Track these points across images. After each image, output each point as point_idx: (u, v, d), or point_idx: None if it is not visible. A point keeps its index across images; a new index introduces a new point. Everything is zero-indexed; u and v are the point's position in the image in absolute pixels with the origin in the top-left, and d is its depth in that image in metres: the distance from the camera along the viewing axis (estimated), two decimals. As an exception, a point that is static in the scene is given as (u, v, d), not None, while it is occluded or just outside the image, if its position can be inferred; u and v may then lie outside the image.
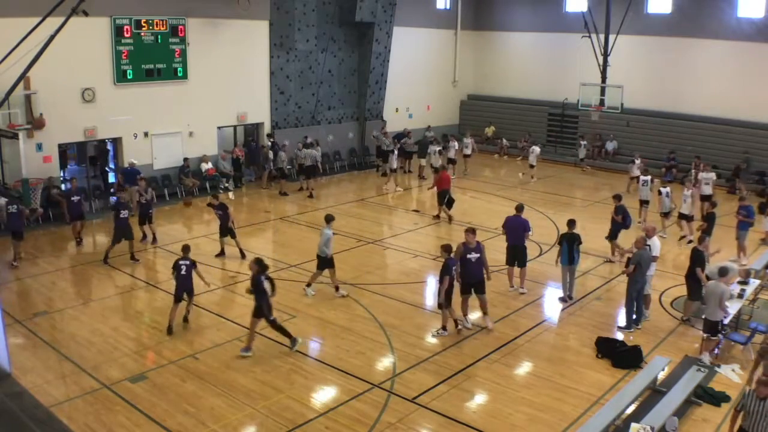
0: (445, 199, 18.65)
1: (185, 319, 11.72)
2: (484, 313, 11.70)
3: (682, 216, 17.02)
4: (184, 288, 11.56)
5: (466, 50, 31.16)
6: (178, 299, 11.50)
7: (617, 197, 15.27)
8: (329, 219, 13.06)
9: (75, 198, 16.11)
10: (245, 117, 22.85)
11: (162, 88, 20.06)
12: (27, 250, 15.43)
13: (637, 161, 21.99)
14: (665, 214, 17.30)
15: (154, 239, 16.35)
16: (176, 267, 11.59)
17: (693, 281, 11.77)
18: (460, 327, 11.52)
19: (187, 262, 11.64)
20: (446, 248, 11.32)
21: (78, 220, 16.17)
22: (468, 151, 24.61)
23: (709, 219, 15.29)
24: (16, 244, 14.59)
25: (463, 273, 11.41)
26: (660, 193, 17.40)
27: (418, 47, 28.53)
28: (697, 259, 11.74)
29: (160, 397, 9.26)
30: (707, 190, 18.75)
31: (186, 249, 11.93)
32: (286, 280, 13.97)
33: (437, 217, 18.92)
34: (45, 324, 11.59)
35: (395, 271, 14.92)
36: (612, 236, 15.17)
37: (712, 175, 19.11)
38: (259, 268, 10.49)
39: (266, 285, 10.50)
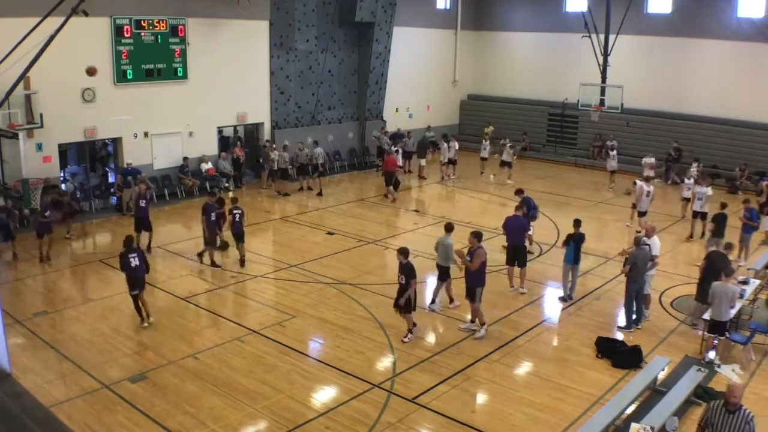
0: (392, 181, 21.05)
1: (242, 263, 14.48)
2: (471, 320, 11.54)
3: (640, 213, 17.37)
4: (237, 232, 14.40)
5: (466, 50, 31.14)
6: (237, 240, 14.50)
7: (519, 191, 15.87)
8: (449, 228, 12.40)
9: (47, 213, 14.86)
10: (245, 117, 22.85)
11: (162, 88, 20.06)
12: (27, 250, 15.42)
13: (693, 176, 19.65)
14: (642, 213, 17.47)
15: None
16: (231, 213, 14.39)
17: (708, 285, 11.20)
18: (409, 338, 11.08)
19: (240, 211, 14.49)
20: (403, 251, 11.01)
21: (45, 236, 14.73)
22: (452, 155, 23.88)
23: (718, 220, 14.77)
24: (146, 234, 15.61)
25: None
26: (635, 184, 17.82)
27: (418, 47, 28.50)
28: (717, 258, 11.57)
29: (160, 397, 9.26)
30: (698, 205, 16.82)
31: (235, 200, 15.00)
32: (286, 280, 13.98)
33: (386, 196, 21.04)
34: (45, 324, 11.59)
35: (395, 271, 14.78)
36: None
37: (707, 191, 16.83)
38: (125, 246, 11.56)
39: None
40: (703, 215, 16.85)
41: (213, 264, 14.57)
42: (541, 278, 14.19)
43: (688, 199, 18.31)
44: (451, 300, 12.57)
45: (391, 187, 21.03)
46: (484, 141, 25.13)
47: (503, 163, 23.59)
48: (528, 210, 15.12)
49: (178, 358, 10.36)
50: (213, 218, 14.40)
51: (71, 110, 18.05)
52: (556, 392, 9.58)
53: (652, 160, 21.40)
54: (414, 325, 11.19)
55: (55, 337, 11.08)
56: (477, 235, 11.35)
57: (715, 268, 11.24)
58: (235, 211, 14.43)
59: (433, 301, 12.51)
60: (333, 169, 25.20)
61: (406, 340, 11.08)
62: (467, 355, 10.66)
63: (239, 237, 14.51)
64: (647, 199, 17.29)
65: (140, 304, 11.54)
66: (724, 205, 15.14)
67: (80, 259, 15.22)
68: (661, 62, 25.33)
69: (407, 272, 10.87)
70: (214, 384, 9.63)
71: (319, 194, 21.44)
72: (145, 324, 11.50)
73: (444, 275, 12.30)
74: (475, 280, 11.21)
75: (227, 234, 14.93)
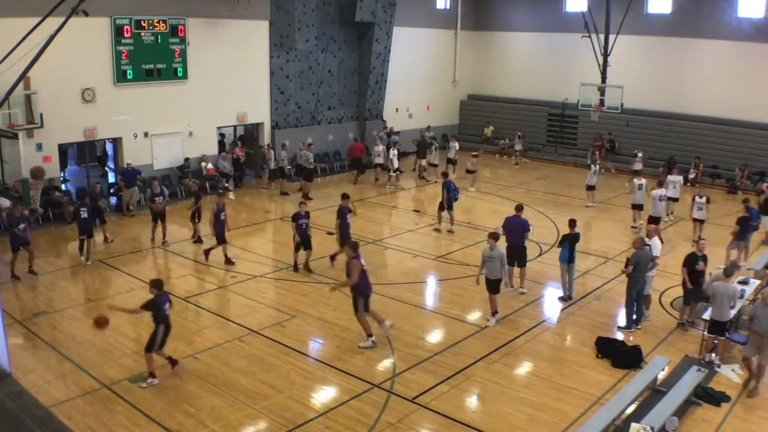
0: (358, 166, 23.43)
1: (305, 267, 14.35)
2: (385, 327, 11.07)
3: (635, 206, 17.67)
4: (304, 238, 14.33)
5: (466, 50, 31.14)
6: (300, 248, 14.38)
7: (444, 174, 17.88)
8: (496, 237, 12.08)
9: (21, 226, 13.67)
10: (245, 117, 22.86)
11: (162, 88, 20.06)
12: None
13: (640, 154, 23.43)
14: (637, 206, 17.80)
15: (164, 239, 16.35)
16: (296, 219, 14.24)
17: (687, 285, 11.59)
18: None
19: (307, 220, 14.36)
20: (154, 284, 9.62)
21: (23, 248, 13.71)
22: (452, 155, 23.88)
23: (741, 223, 14.58)
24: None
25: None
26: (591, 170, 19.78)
27: (418, 47, 28.51)
28: (686, 261, 11.62)
29: (160, 397, 9.27)
30: (657, 210, 16.64)
31: (304, 202, 15.12)
32: (287, 280, 13.98)
33: (354, 183, 22.89)
34: (45, 324, 11.60)
35: (395, 271, 14.91)
36: (447, 207, 17.22)
37: (702, 201, 16.63)
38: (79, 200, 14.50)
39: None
40: (657, 220, 16.39)
41: (300, 267, 14.37)
42: (541, 278, 14.19)
43: (701, 221, 16.70)
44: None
45: (357, 172, 23.19)
46: (451, 141, 24.35)
47: (635, 173, 22.32)
48: (448, 192, 16.96)
49: (178, 358, 10.35)
50: (348, 220, 14.43)
51: (71, 110, 18.05)
52: (556, 392, 9.58)
53: (641, 154, 23.60)
54: (175, 362, 9.84)
55: (55, 337, 11.08)
56: (352, 245, 10.85)
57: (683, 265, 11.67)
58: (302, 221, 14.14)
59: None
60: (333, 169, 25.24)
61: (150, 383, 9.62)
62: (467, 355, 10.66)
63: (304, 244, 14.30)
64: (640, 192, 17.60)
65: (84, 247, 14.48)
66: (747, 208, 15.00)
67: (80, 259, 15.20)
68: (661, 62, 25.32)
69: (151, 307, 9.51)
70: (214, 384, 9.63)
71: (306, 197, 20.25)
72: (88, 264, 14.33)
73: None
74: (356, 291, 10.72)
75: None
